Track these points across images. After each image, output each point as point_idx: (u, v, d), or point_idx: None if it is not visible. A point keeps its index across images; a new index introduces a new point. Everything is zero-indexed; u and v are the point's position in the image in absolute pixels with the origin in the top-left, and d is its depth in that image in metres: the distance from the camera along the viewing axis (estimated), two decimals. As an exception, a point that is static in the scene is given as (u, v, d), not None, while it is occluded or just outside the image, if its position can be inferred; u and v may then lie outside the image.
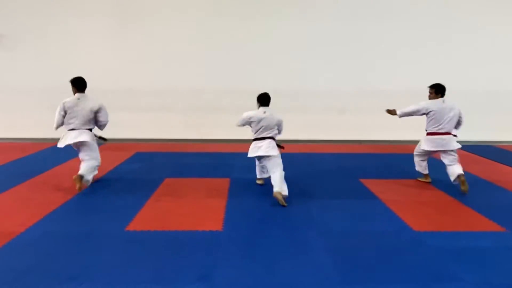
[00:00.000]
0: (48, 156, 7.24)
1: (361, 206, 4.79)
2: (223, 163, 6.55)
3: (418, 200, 5.02)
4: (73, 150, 6.24)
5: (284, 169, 6.28)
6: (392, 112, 5.71)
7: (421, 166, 5.89)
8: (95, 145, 5.46)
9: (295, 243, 3.73)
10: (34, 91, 8.62)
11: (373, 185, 5.61)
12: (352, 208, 4.71)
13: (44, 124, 8.61)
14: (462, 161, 7.09)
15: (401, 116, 5.69)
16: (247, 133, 6.22)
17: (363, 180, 5.84)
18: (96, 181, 5.67)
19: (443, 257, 3.49)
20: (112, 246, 3.63)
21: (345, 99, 8.86)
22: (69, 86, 5.37)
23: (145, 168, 6.50)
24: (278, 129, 5.28)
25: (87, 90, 5.39)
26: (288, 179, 5.86)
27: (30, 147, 7.96)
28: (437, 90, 5.62)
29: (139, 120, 8.69)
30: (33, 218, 4.24)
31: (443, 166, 6.82)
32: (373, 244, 3.74)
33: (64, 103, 5.24)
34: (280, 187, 4.75)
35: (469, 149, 8.32)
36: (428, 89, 5.81)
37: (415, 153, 5.89)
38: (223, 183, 5.64)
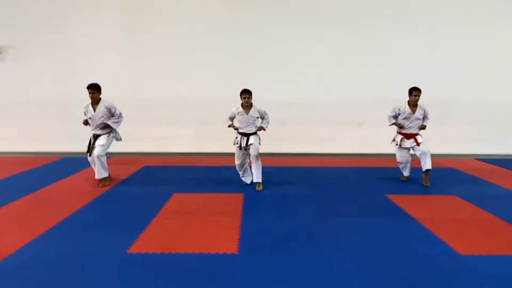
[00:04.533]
0: (50, 171, 6.78)
1: (394, 225, 4.17)
2: (236, 177, 6.00)
3: (456, 218, 4.40)
4: (76, 164, 7.14)
5: (304, 184, 5.82)
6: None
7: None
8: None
9: (323, 269, 3.14)
10: (39, 103, 8.26)
11: (402, 201, 5.01)
12: (384, 227, 4.10)
13: (50, 137, 8.29)
14: (493, 176, 6.52)
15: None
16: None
17: (390, 196, 5.24)
18: (99, 196, 5.16)
19: (499, 286, 2.88)
20: (111, 272, 3.08)
21: (364, 111, 8.31)
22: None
23: (153, 182, 5.99)
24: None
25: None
26: (309, 194, 5.40)
27: (34, 161, 7.52)
28: None
29: (147, 133, 8.23)
30: (26, 237, 3.74)
31: (472, 180, 6.25)
32: (415, 270, 3.13)
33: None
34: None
35: (498, 163, 7.67)
36: (415, 92, 5.74)
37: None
38: (237, 199, 5.08)
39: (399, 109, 5.83)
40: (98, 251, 3.44)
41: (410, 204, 4.88)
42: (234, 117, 5.64)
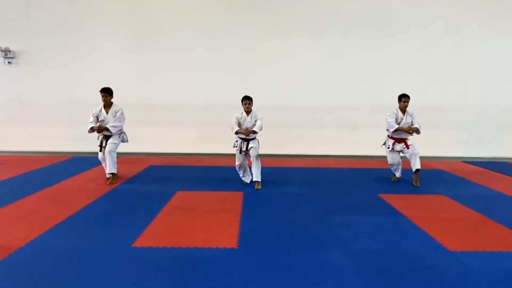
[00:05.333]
0: (60, 169, 6.73)
1: (386, 222, 4.14)
2: (237, 177, 5.96)
3: (445, 217, 4.36)
4: (85, 164, 7.07)
5: (301, 184, 5.77)
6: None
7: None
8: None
9: (319, 263, 3.10)
10: (50, 106, 8.21)
11: (393, 200, 4.97)
12: (377, 225, 4.06)
13: (60, 137, 8.25)
14: (479, 177, 6.49)
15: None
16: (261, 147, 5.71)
17: (382, 195, 5.21)
18: (106, 194, 5.12)
19: (489, 281, 2.86)
20: (117, 264, 3.04)
21: (358, 115, 8.29)
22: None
23: (157, 181, 5.94)
24: None
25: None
26: (306, 193, 5.37)
27: (44, 160, 7.47)
28: None
29: (152, 134, 8.20)
30: (36, 231, 3.69)
31: (460, 181, 6.23)
32: (407, 265, 3.09)
33: None
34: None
35: (485, 165, 7.65)
36: (403, 99, 5.77)
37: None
38: (237, 197, 5.05)
39: (395, 114, 5.78)
40: (104, 245, 3.40)
41: (401, 203, 4.85)
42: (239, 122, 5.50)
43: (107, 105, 5.66)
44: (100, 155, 5.77)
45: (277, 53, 8.28)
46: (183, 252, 3.28)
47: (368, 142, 8.10)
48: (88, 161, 7.15)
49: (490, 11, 8.20)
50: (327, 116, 8.33)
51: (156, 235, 3.66)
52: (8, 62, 8.14)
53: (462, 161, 8.14)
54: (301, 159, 8.16)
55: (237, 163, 5.68)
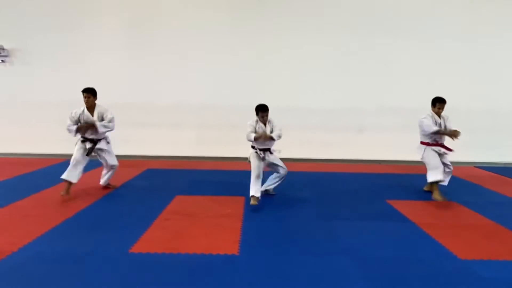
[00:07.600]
0: (55, 172, 6.69)
1: (394, 229, 4.14)
2: (238, 181, 5.97)
3: (456, 224, 4.37)
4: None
5: (305, 189, 5.76)
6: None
7: None
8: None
9: (325, 271, 3.11)
10: (46, 106, 8.24)
11: (402, 206, 4.97)
12: (385, 231, 4.07)
13: (55, 139, 8.25)
14: (492, 183, 6.48)
15: None
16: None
17: (390, 201, 5.20)
18: (102, 198, 5.14)
19: (501, 291, 2.86)
20: (113, 271, 3.06)
21: (364, 118, 8.29)
22: (82, 101, 5.25)
23: (155, 185, 5.97)
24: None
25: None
26: (311, 198, 5.39)
27: (38, 162, 7.52)
28: None
29: (150, 136, 8.22)
30: (29, 236, 3.72)
31: (472, 187, 6.22)
32: (416, 273, 3.10)
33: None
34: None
35: (498, 170, 7.64)
36: (439, 105, 5.50)
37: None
38: (238, 202, 5.06)
39: (431, 116, 5.39)
40: (100, 250, 3.43)
41: (410, 209, 4.85)
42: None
43: (90, 106, 5.33)
44: (84, 158, 5.39)
45: (280, 53, 8.28)
46: (182, 258, 3.30)
47: (375, 146, 8.14)
48: (84, 163, 7.17)
49: (504, 13, 8.21)
50: (332, 119, 8.32)
51: (154, 240, 3.68)
52: (2, 60, 8.20)
53: (474, 167, 8.12)
54: (305, 163, 8.16)
55: (255, 173, 4.89)
